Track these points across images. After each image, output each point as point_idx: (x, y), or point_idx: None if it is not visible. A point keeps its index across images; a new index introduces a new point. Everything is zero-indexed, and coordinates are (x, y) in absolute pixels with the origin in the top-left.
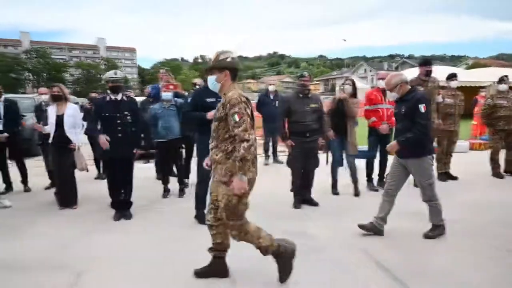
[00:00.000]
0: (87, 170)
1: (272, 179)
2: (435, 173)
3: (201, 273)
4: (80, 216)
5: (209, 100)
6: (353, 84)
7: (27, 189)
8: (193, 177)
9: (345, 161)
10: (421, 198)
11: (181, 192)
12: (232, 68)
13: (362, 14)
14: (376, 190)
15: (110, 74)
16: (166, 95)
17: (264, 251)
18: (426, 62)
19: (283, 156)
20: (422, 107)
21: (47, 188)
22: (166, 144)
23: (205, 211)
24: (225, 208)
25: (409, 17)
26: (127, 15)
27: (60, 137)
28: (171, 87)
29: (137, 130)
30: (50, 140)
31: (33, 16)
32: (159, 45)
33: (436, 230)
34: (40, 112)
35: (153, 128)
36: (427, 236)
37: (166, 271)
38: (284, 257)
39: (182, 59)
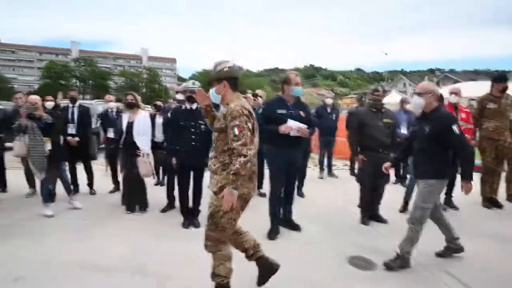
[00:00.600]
0: (154, 177)
1: (331, 193)
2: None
3: (262, 280)
4: (147, 221)
5: (279, 111)
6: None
7: (92, 192)
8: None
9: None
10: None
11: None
12: (229, 77)
13: (401, 28)
14: (444, 209)
15: (188, 84)
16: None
17: (213, 276)
18: (501, 78)
19: (337, 170)
20: (456, 128)
21: (111, 192)
22: None
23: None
24: (209, 217)
25: (449, 32)
26: (169, 27)
27: (130, 143)
28: None
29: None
30: (120, 145)
31: (83, 27)
32: (197, 56)
33: (398, 261)
34: (105, 117)
35: None
36: (386, 264)
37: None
38: None
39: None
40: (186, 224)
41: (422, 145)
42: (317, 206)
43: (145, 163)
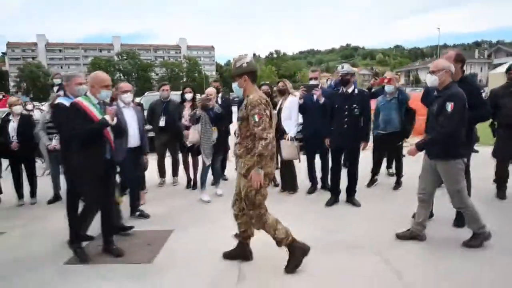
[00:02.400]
0: (299, 161)
1: None
2: None
3: (228, 255)
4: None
5: None
6: None
7: (225, 178)
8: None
9: None
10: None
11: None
12: (249, 71)
13: (439, 1)
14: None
15: (338, 68)
16: (389, 87)
17: (279, 242)
18: None
19: None
20: (449, 106)
21: None
22: (385, 136)
23: (231, 202)
24: (244, 198)
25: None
26: (206, 16)
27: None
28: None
29: (364, 123)
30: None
31: (122, 21)
32: (234, 43)
33: (477, 239)
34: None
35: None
36: (466, 244)
37: None
38: (296, 252)
39: (254, 54)
40: (329, 203)
41: (432, 125)
42: None
43: (289, 146)
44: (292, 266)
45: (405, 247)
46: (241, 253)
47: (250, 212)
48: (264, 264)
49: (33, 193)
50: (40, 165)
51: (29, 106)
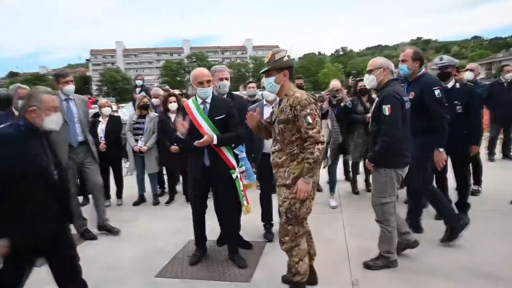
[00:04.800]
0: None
1: None
2: None
3: (286, 280)
4: None
5: None
6: None
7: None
8: None
9: None
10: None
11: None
12: (290, 66)
13: None
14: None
15: (435, 60)
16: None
17: (293, 274)
18: None
19: None
20: (386, 109)
21: None
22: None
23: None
24: (286, 211)
25: None
26: (270, 16)
27: None
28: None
29: (469, 122)
30: None
31: (192, 25)
32: (299, 42)
33: (379, 261)
34: None
35: None
36: (365, 264)
37: None
38: None
39: (319, 53)
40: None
41: (372, 129)
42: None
43: None
44: None
45: None
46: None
47: (288, 227)
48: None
49: (119, 194)
50: (123, 166)
51: (114, 107)
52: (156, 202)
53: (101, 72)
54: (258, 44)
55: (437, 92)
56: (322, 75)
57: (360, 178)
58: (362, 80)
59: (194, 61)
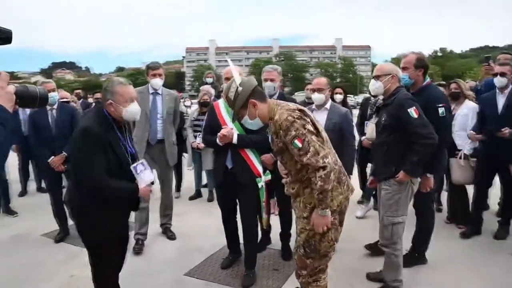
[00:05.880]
0: None
1: None
2: None
3: None
4: None
5: None
6: None
7: None
8: None
9: None
10: None
11: None
12: (250, 93)
13: None
14: None
15: None
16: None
17: None
18: None
19: None
20: (413, 112)
21: None
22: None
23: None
24: (304, 244)
25: None
26: (362, 15)
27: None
28: None
29: None
30: None
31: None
32: (392, 42)
33: None
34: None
35: None
36: None
37: None
38: None
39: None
40: None
41: (380, 140)
42: None
43: (462, 167)
44: None
45: None
46: None
47: (307, 260)
48: None
49: (178, 187)
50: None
51: (187, 103)
52: (210, 199)
53: (194, 69)
54: (348, 44)
55: (441, 110)
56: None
57: None
58: (440, 85)
59: (282, 60)
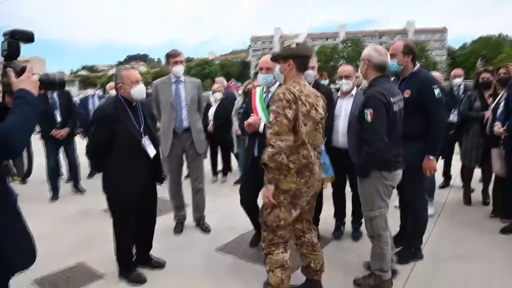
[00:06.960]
0: None
1: None
2: None
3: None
4: None
5: None
6: None
7: None
8: None
9: None
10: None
11: None
12: (296, 56)
13: None
14: None
15: None
16: None
17: (266, 283)
18: None
19: None
20: (368, 114)
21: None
22: None
23: None
24: (260, 215)
25: None
26: None
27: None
28: None
29: None
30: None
31: (350, 10)
32: (473, 23)
33: (370, 279)
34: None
35: None
36: (356, 281)
37: None
38: None
39: (499, 35)
40: None
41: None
42: None
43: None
44: None
45: None
46: None
47: (264, 233)
48: None
49: (225, 172)
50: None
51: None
52: None
53: (259, 57)
54: (422, 27)
55: (437, 91)
56: (499, 61)
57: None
58: (486, 71)
59: (350, 46)
